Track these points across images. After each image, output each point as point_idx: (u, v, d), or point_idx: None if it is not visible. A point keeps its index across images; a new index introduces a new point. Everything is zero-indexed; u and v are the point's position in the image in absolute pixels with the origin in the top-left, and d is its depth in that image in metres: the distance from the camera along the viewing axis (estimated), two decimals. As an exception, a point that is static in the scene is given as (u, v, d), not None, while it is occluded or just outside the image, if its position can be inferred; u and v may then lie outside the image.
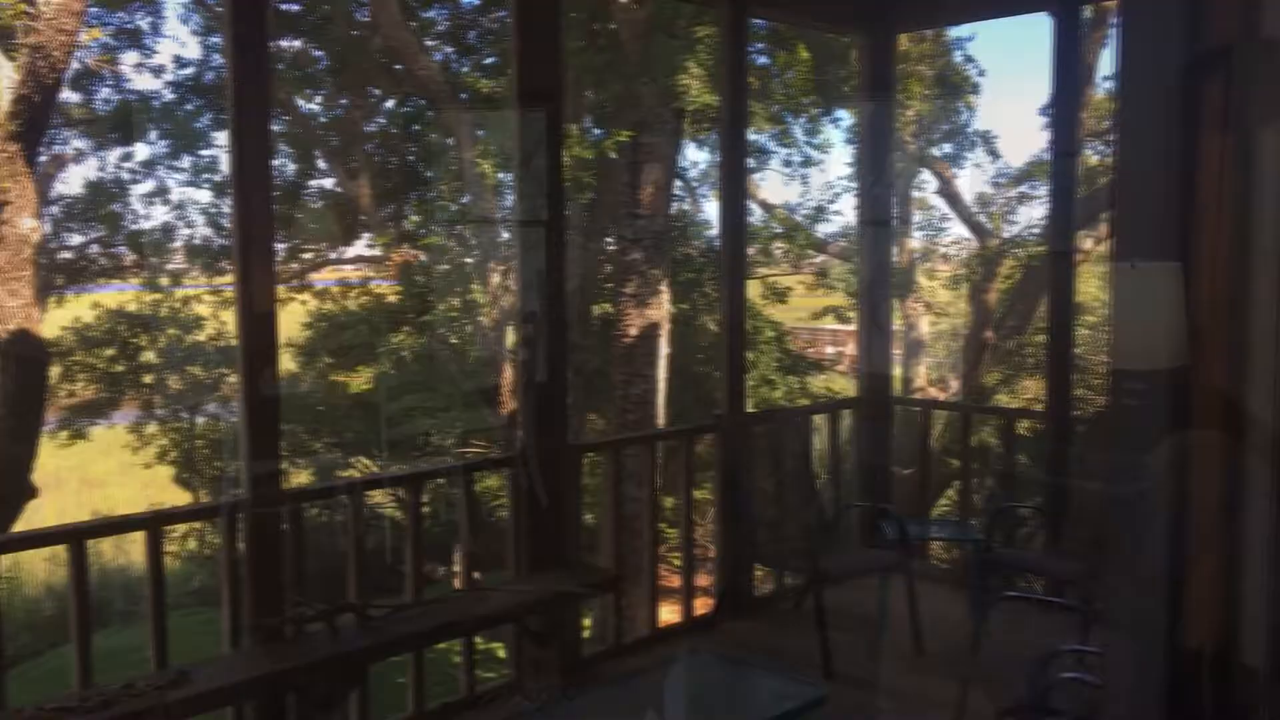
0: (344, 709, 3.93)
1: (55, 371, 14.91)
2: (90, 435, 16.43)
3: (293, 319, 15.65)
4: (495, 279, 11.60)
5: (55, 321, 15.40)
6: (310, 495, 4.81)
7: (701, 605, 5.80)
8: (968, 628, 5.07)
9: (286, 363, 15.27)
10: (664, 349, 10.40)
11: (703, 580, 8.19)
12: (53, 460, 14.35)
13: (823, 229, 15.11)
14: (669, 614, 6.26)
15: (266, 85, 3.88)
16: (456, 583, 14.92)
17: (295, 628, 3.87)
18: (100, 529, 4.40)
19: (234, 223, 3.88)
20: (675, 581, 6.75)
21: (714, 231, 14.88)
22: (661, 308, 10.32)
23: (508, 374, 11.71)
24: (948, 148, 15.82)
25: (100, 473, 20.67)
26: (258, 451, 3.88)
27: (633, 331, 10.23)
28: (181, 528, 15.13)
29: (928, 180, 16.00)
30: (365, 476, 14.16)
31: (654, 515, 5.46)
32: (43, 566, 16.25)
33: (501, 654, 11.82)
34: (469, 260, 12.42)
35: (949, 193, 15.97)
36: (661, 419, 10.50)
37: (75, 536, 3.66)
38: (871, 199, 6.30)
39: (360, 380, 16.12)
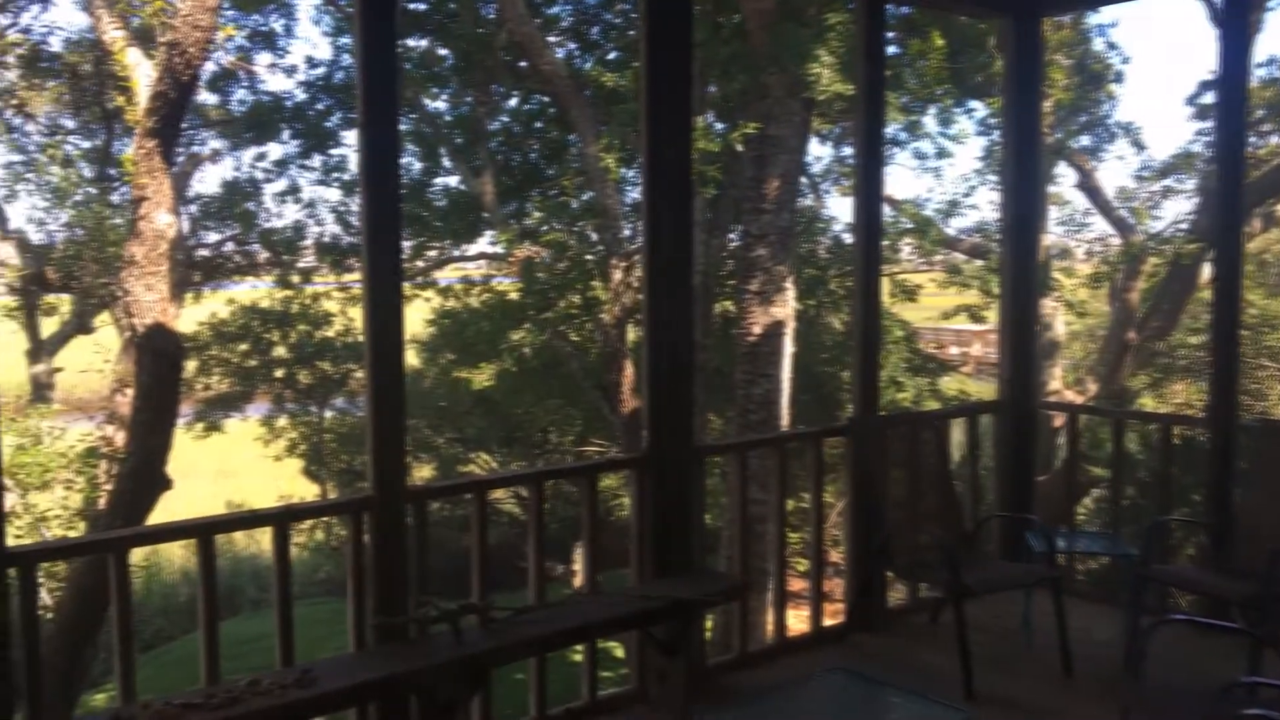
0: (466, 711, 3.84)
1: (191, 366, 15.47)
2: (224, 428, 17.02)
3: (417, 315, 15.91)
4: (617, 275, 11.51)
5: (193, 317, 15.98)
6: (436, 493, 4.75)
7: (830, 614, 5.57)
8: (1121, 649, 4.74)
9: (411, 359, 15.51)
10: (789, 348, 10.13)
11: (827, 586, 7.95)
12: (188, 452, 14.85)
13: (955, 224, 14.65)
14: (794, 620, 6.04)
15: (395, 85, 3.82)
16: (576, 581, 14.95)
17: (419, 628, 3.81)
18: (230, 524, 4.41)
19: (362, 220, 3.85)
20: (797, 585, 6.49)
21: (840, 227, 14.54)
22: (787, 305, 10.06)
23: (629, 372, 11.61)
24: (1085, 139, 15.15)
25: (233, 464, 21.41)
26: (383, 447, 3.84)
27: (756, 329, 9.99)
28: (309, 519, 15.51)
29: (1063, 174, 15.36)
30: (490, 475, 14.29)
31: (782, 520, 5.26)
32: (179, 553, 16.88)
33: (619, 653, 11.77)
34: (590, 257, 12.36)
35: (1089, 186, 15.27)
36: (785, 420, 10.25)
37: (204, 531, 3.67)
38: (1016, 194, 5.95)
39: (482, 377, 16.27)
